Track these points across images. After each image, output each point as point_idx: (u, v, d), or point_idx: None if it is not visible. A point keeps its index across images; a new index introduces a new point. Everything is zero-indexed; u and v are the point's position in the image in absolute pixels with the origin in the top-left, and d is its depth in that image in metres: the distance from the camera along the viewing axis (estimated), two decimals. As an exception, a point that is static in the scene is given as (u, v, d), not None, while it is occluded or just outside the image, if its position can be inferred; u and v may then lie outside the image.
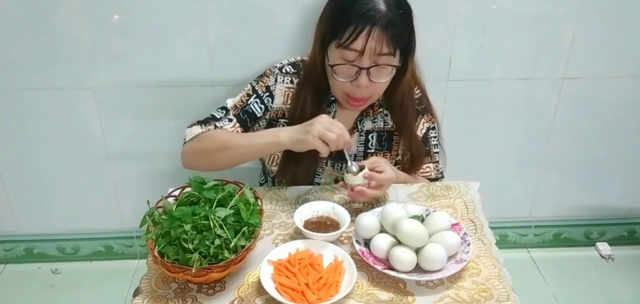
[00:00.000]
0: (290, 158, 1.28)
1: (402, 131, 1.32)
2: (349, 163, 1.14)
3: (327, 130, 1.08)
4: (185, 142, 1.28)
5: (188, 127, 1.29)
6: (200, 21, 1.51)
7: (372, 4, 1.11)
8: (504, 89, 1.70)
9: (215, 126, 1.27)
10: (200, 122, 1.28)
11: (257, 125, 1.31)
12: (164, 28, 1.52)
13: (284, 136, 1.14)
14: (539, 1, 1.56)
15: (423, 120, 1.35)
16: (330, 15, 1.18)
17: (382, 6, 1.11)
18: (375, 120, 1.32)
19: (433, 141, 1.37)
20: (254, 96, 1.29)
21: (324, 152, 1.09)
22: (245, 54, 1.54)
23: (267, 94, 1.29)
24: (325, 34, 1.18)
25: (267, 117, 1.31)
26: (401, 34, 1.14)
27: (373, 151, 1.34)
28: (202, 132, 1.26)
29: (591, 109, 1.77)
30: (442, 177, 1.40)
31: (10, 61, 1.57)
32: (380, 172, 1.14)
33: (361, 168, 1.14)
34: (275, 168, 1.34)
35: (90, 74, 1.59)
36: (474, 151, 1.79)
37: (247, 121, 1.29)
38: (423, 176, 1.38)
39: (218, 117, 1.29)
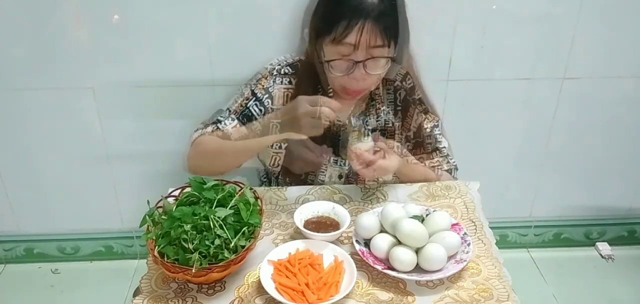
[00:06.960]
0: (293, 158, 1.29)
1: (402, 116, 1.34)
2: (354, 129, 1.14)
3: (314, 123, 1.05)
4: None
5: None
6: (200, 21, 1.51)
7: None
8: (504, 89, 1.70)
9: (217, 128, 1.27)
10: (202, 125, 1.29)
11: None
12: (164, 28, 1.52)
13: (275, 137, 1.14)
14: (539, 1, 1.56)
15: (426, 119, 1.36)
16: (323, 12, 1.20)
17: None
18: (378, 118, 1.33)
19: (438, 137, 1.38)
20: (253, 99, 1.30)
21: (320, 130, 1.07)
22: (245, 54, 1.54)
23: (267, 96, 1.30)
24: (319, 30, 1.19)
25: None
26: (394, 25, 1.16)
27: None
28: (197, 137, 1.26)
29: (591, 109, 1.77)
30: (456, 169, 1.40)
31: (10, 61, 1.57)
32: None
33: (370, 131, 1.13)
34: (277, 169, 1.34)
35: (90, 74, 1.59)
36: (474, 151, 1.78)
37: (245, 124, 1.29)
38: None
39: (221, 119, 1.29)
